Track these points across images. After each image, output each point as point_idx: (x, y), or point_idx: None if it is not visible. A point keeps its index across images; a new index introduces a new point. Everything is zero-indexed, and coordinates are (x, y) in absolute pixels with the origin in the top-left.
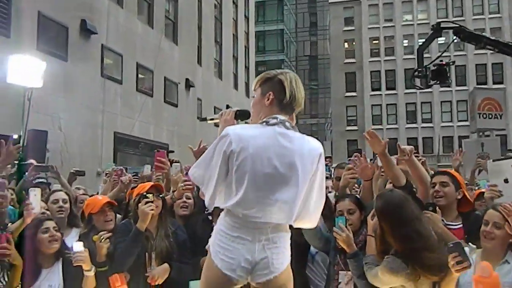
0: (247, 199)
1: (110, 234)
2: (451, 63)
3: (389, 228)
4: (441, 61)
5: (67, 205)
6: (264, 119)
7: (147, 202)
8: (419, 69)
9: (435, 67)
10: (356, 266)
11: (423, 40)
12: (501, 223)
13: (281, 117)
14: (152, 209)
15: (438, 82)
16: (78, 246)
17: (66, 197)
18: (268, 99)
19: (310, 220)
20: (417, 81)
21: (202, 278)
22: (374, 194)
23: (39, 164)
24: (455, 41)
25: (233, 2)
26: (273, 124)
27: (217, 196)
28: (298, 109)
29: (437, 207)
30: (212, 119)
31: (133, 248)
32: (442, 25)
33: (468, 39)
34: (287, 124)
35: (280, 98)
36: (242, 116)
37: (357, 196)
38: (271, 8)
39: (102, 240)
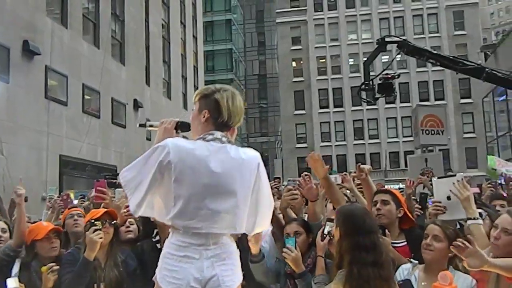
0: (187, 210)
1: (58, 266)
2: (396, 76)
3: (347, 236)
4: (387, 74)
5: (6, 235)
6: (201, 136)
7: (95, 230)
8: (366, 83)
9: (381, 81)
10: (305, 285)
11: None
12: (441, 236)
13: (218, 133)
14: (101, 237)
15: (384, 95)
16: (11, 283)
17: (5, 226)
18: (204, 117)
19: (265, 224)
20: (364, 95)
21: None
22: (320, 214)
23: None
24: (398, 58)
25: (181, 22)
26: (209, 140)
27: (144, 205)
28: (237, 125)
29: (386, 230)
30: (151, 126)
31: (81, 278)
32: (387, 39)
33: (412, 53)
34: (224, 139)
35: (215, 117)
36: (182, 127)
37: (304, 219)
38: (219, 27)
39: (50, 273)
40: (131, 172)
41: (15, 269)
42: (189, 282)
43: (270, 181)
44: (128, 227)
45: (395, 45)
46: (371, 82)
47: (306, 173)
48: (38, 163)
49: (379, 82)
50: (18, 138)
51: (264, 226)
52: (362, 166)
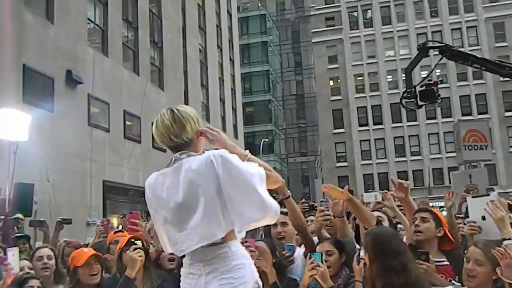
0: (170, 239)
1: None
2: (439, 82)
3: (376, 260)
4: (429, 80)
5: (52, 262)
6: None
7: (135, 249)
8: (408, 90)
9: (423, 88)
10: None
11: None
12: (482, 260)
13: (177, 155)
14: (141, 256)
15: (428, 102)
16: None
17: (51, 253)
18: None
19: (257, 217)
20: (407, 103)
21: None
22: (349, 230)
23: (32, 219)
24: (438, 72)
25: (218, 46)
26: (169, 165)
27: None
28: (173, 139)
29: (429, 255)
30: None
31: None
32: (429, 44)
33: (455, 58)
34: (174, 159)
35: (165, 142)
36: None
37: (337, 238)
38: (255, 50)
39: None
40: None
41: None
42: None
43: (297, 203)
44: (172, 254)
45: (436, 52)
46: (413, 89)
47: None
48: (82, 189)
49: (421, 89)
50: (62, 165)
51: (258, 221)
52: (401, 181)
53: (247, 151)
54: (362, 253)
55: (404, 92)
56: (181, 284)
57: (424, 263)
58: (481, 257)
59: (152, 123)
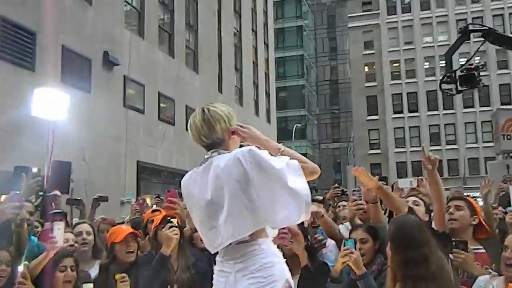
0: (202, 235)
1: (128, 280)
2: (480, 66)
3: (396, 251)
4: (471, 65)
5: (91, 237)
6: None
7: (171, 227)
8: (448, 75)
9: (464, 72)
10: (368, 286)
11: (445, 61)
12: None
13: (208, 154)
14: (176, 234)
15: (468, 87)
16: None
17: (89, 229)
18: None
19: (292, 215)
20: (446, 88)
21: None
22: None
23: (70, 198)
24: (480, 49)
25: (252, 29)
26: (202, 163)
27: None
28: (203, 139)
29: (467, 244)
30: None
31: (158, 273)
32: (470, 27)
33: (499, 42)
34: (207, 157)
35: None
36: None
37: (371, 225)
38: (290, 34)
39: (123, 281)
40: None
41: (94, 272)
42: None
43: (327, 190)
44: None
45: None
46: (453, 74)
47: (383, 182)
48: (117, 169)
49: (461, 74)
50: (98, 145)
51: (297, 218)
52: (429, 153)
53: (281, 144)
54: None
55: (443, 77)
56: (213, 282)
57: (462, 253)
58: None
59: (186, 106)
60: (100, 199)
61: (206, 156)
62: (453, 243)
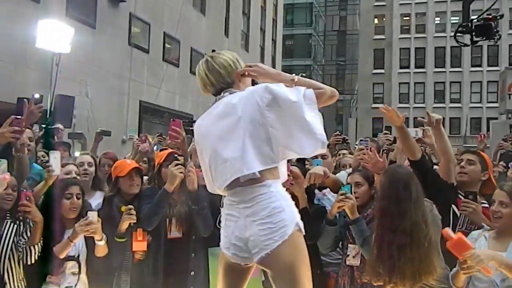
0: (213, 174)
1: (134, 212)
2: (498, 17)
3: (380, 200)
4: (488, 14)
5: (92, 169)
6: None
7: (177, 164)
8: (464, 24)
9: (480, 22)
10: (359, 231)
11: (456, 18)
12: (507, 201)
13: (221, 95)
14: (181, 172)
15: (484, 38)
16: (92, 216)
17: (91, 160)
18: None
19: (317, 138)
20: (462, 38)
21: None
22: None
23: (71, 132)
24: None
25: None
26: (214, 102)
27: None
28: (207, 85)
29: (477, 195)
30: None
31: (160, 208)
32: None
33: None
34: (224, 95)
35: (202, 87)
36: None
37: (367, 170)
38: None
39: (128, 213)
40: None
41: (97, 202)
42: (230, 240)
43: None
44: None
45: None
46: (469, 23)
47: (386, 131)
48: (119, 107)
49: (478, 23)
50: (101, 82)
51: (305, 147)
52: (432, 114)
53: (293, 75)
54: None
55: (459, 26)
56: (221, 224)
57: (472, 203)
58: (506, 199)
59: (191, 48)
60: (103, 133)
61: (218, 97)
62: (464, 193)
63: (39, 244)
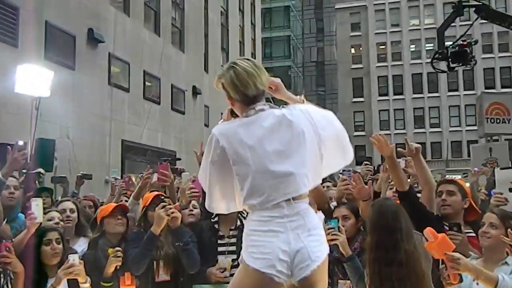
0: (255, 187)
1: (121, 254)
2: (473, 43)
3: (370, 233)
4: (463, 41)
5: (74, 215)
6: (244, 115)
7: (163, 206)
8: (440, 51)
9: (456, 49)
10: (354, 268)
11: (431, 44)
12: (497, 224)
13: (258, 106)
14: (168, 214)
15: (460, 64)
16: (73, 259)
17: (73, 206)
18: (232, 104)
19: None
20: (438, 65)
21: None
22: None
23: (54, 176)
24: (467, 33)
25: (240, 9)
26: (253, 114)
27: (215, 200)
28: (261, 87)
29: (461, 226)
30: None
31: (147, 251)
32: (464, 3)
33: (492, 18)
34: (263, 107)
35: (237, 99)
36: (235, 114)
37: (353, 204)
38: (277, 14)
39: (115, 256)
40: (201, 170)
41: (81, 248)
42: (277, 255)
43: None
44: (192, 210)
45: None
46: (445, 50)
47: (366, 162)
48: (101, 148)
49: (454, 50)
50: (82, 123)
51: (339, 165)
52: (410, 143)
53: (300, 97)
54: None
55: (435, 53)
56: (253, 243)
57: (459, 234)
58: (496, 221)
59: (172, 85)
60: (84, 177)
61: (255, 108)
62: (448, 225)
63: None
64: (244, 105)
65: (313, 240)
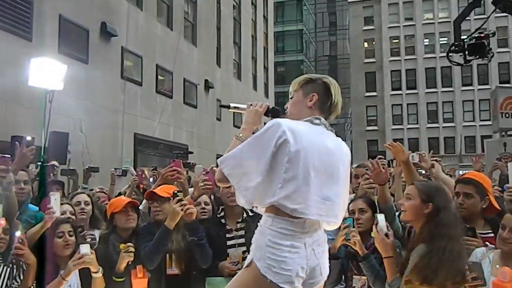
0: (298, 194)
1: (133, 249)
2: (490, 35)
3: (442, 210)
4: (480, 33)
5: (89, 207)
6: (308, 118)
7: (178, 201)
8: (456, 43)
9: (473, 41)
10: (370, 266)
11: (445, 38)
12: None
13: (322, 119)
14: (183, 209)
15: (477, 56)
16: (85, 248)
17: (88, 199)
18: (311, 100)
19: (338, 220)
20: (454, 57)
21: None
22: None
23: (63, 168)
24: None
25: (252, 2)
26: (317, 124)
27: (256, 192)
28: (334, 115)
29: (476, 230)
30: (236, 107)
31: (161, 246)
32: None
33: (510, 10)
34: (327, 125)
35: (324, 100)
36: (274, 112)
37: (371, 197)
38: (290, 8)
39: (127, 251)
40: (236, 159)
41: (97, 239)
42: (298, 272)
43: None
44: (204, 208)
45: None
46: (461, 42)
47: (380, 156)
48: (114, 141)
49: (470, 42)
50: (95, 117)
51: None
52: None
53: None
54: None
55: (451, 46)
56: (275, 256)
57: (473, 239)
58: None
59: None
60: (91, 170)
61: (324, 122)
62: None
63: (32, 287)
64: (320, 110)
65: (325, 257)
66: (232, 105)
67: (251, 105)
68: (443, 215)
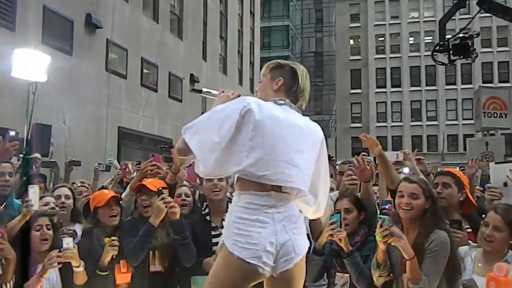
0: (264, 161)
1: (117, 243)
2: (475, 36)
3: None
4: (465, 33)
5: (70, 201)
6: (272, 99)
7: (162, 198)
8: (441, 43)
9: (457, 41)
10: (354, 263)
11: (430, 37)
12: (501, 226)
13: (287, 101)
14: (167, 206)
15: (461, 57)
16: (67, 243)
17: (69, 193)
18: (277, 84)
19: (318, 207)
20: (439, 57)
21: (220, 278)
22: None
23: (44, 160)
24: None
25: None
26: (281, 104)
27: (221, 163)
28: (301, 102)
29: (462, 223)
30: (208, 92)
31: (146, 243)
32: None
33: (495, 11)
34: (292, 106)
35: (289, 85)
36: None
37: (356, 196)
38: (276, 4)
39: (112, 245)
40: (200, 128)
41: (78, 233)
42: (265, 247)
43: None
44: (184, 200)
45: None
46: (446, 42)
47: (364, 153)
48: (98, 134)
49: (455, 42)
50: (79, 109)
51: (316, 211)
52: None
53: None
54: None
55: (436, 45)
56: (241, 231)
57: (459, 232)
58: (500, 224)
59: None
60: (72, 163)
61: (289, 103)
62: (449, 222)
63: (11, 282)
64: (285, 94)
65: (298, 233)
66: (204, 89)
67: (223, 91)
68: (437, 208)
